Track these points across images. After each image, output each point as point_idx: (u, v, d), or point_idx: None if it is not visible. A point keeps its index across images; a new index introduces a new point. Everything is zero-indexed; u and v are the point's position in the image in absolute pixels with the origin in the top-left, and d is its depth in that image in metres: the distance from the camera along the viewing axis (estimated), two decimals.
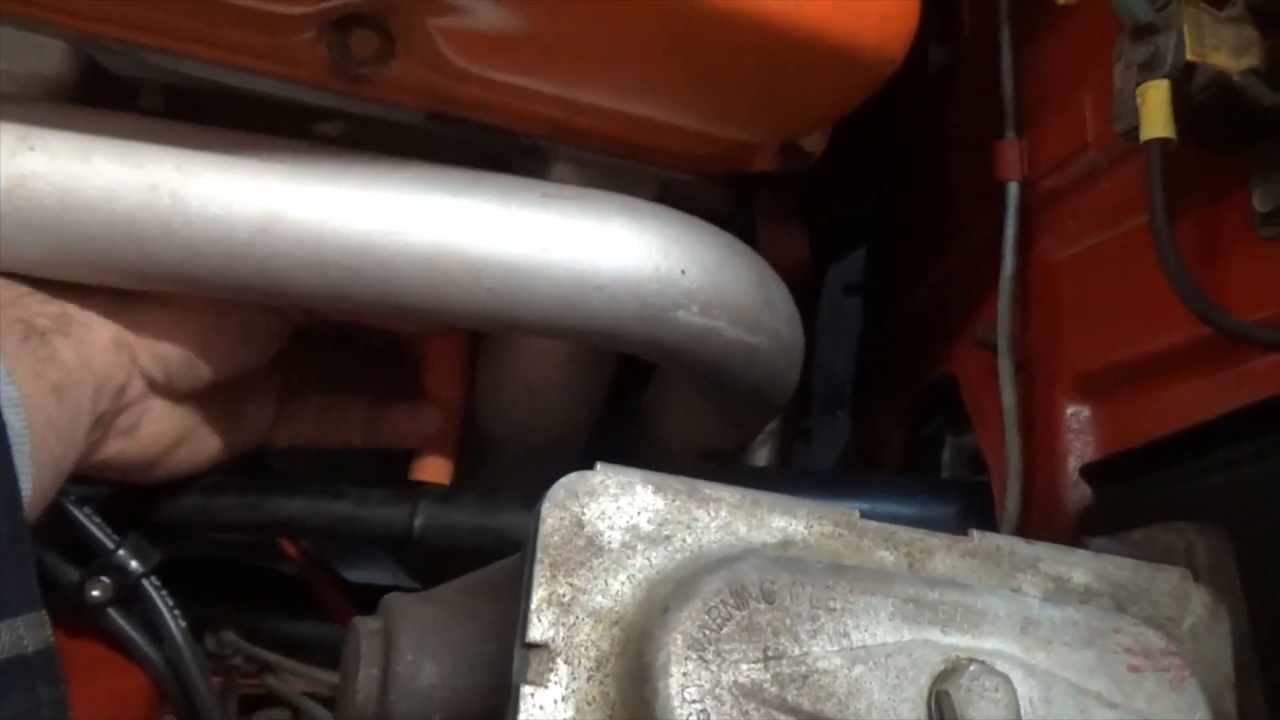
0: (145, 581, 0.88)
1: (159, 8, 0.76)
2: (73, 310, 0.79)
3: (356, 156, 0.82)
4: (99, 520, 0.87)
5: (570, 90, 0.83)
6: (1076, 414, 0.85)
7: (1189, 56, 0.64)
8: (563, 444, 1.06)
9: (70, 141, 0.75)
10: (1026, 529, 0.87)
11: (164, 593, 0.89)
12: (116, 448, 0.83)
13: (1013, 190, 0.94)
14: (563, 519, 0.51)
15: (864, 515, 0.59)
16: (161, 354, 0.83)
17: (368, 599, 1.13)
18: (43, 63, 0.80)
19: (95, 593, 0.87)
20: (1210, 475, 0.70)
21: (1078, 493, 0.84)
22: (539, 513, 0.51)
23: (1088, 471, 0.81)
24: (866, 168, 1.34)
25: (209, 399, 0.90)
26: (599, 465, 0.53)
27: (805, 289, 1.49)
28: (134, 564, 0.88)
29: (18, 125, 0.74)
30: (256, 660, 1.07)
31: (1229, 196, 0.75)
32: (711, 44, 0.76)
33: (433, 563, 1.12)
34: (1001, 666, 0.52)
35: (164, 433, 0.86)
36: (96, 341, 0.79)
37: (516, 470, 1.07)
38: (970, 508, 0.94)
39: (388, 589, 1.28)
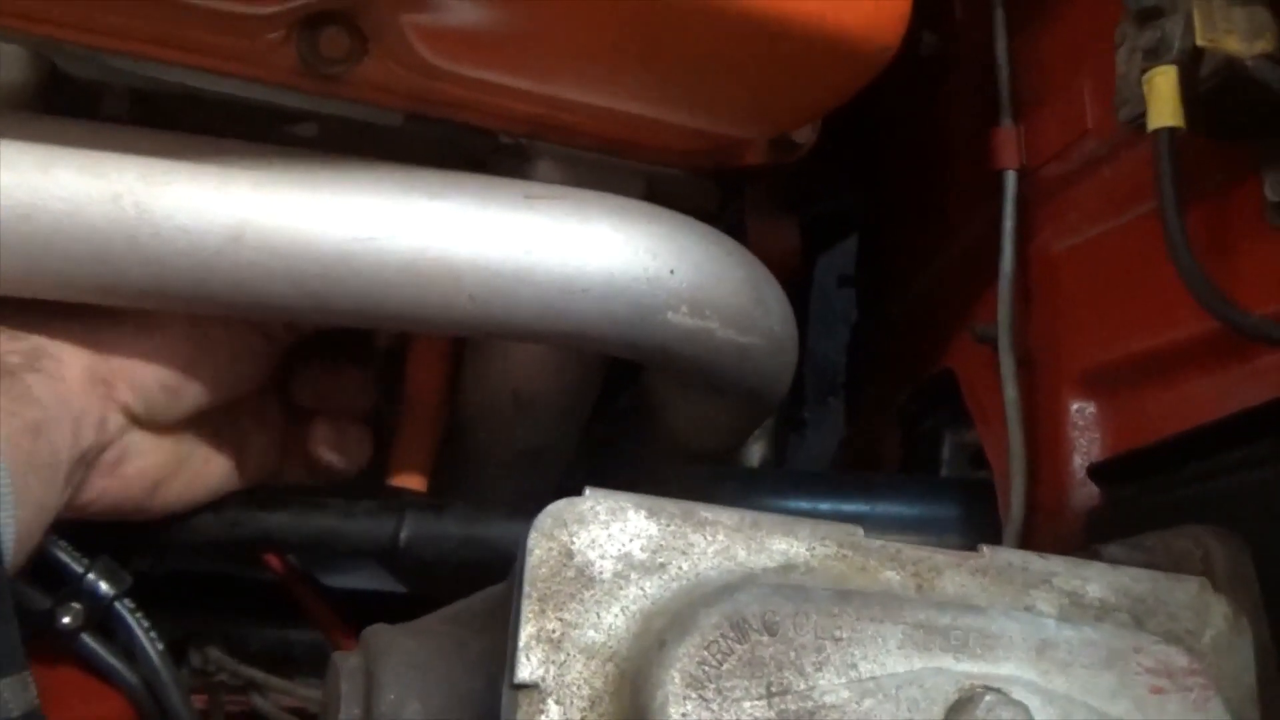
0: (118, 605, 0.85)
1: (120, 10, 0.72)
2: (43, 344, 0.75)
3: (331, 160, 0.79)
4: (65, 545, 0.83)
5: (552, 87, 0.79)
6: (1081, 410, 0.83)
7: (1199, 42, 0.61)
8: (551, 449, 1.03)
9: (29, 153, 0.72)
10: (1032, 529, 0.84)
11: (138, 615, 0.86)
12: (101, 486, 0.79)
13: (1010, 179, 0.91)
14: (550, 549, 0.48)
15: (866, 518, 0.56)
16: (138, 384, 0.78)
17: (355, 607, 1.11)
18: (1, 70, 0.76)
19: (66, 620, 0.84)
20: (1224, 476, 0.67)
21: (1085, 492, 0.81)
22: (525, 544, 0.48)
23: (1095, 471, 0.79)
24: (857, 158, 1.31)
25: (200, 429, 0.86)
26: (588, 490, 0.50)
27: (797, 282, 1.47)
28: (105, 587, 0.85)
29: None
30: (242, 678, 1.04)
31: (1237, 185, 0.72)
32: (698, 36, 0.73)
33: (422, 570, 1.09)
34: (1018, 694, 0.49)
35: (152, 467, 0.82)
36: (70, 376, 0.75)
37: (505, 477, 1.04)
38: (974, 508, 0.92)
39: (375, 595, 1.26)
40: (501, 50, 0.76)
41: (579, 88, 0.80)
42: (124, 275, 0.73)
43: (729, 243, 0.89)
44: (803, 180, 1.34)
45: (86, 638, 0.86)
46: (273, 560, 1.08)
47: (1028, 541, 0.84)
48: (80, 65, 0.77)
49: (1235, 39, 0.61)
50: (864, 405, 1.39)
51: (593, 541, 0.49)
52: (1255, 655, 0.60)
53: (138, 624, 0.87)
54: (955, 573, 0.54)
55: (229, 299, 0.76)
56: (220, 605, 1.17)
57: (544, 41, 0.74)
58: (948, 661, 0.49)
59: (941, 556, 0.54)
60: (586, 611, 0.48)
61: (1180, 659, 0.53)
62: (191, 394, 0.82)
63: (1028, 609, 0.54)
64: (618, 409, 1.16)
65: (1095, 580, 0.57)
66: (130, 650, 0.87)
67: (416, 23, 0.73)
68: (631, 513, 0.50)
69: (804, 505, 0.94)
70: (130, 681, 0.87)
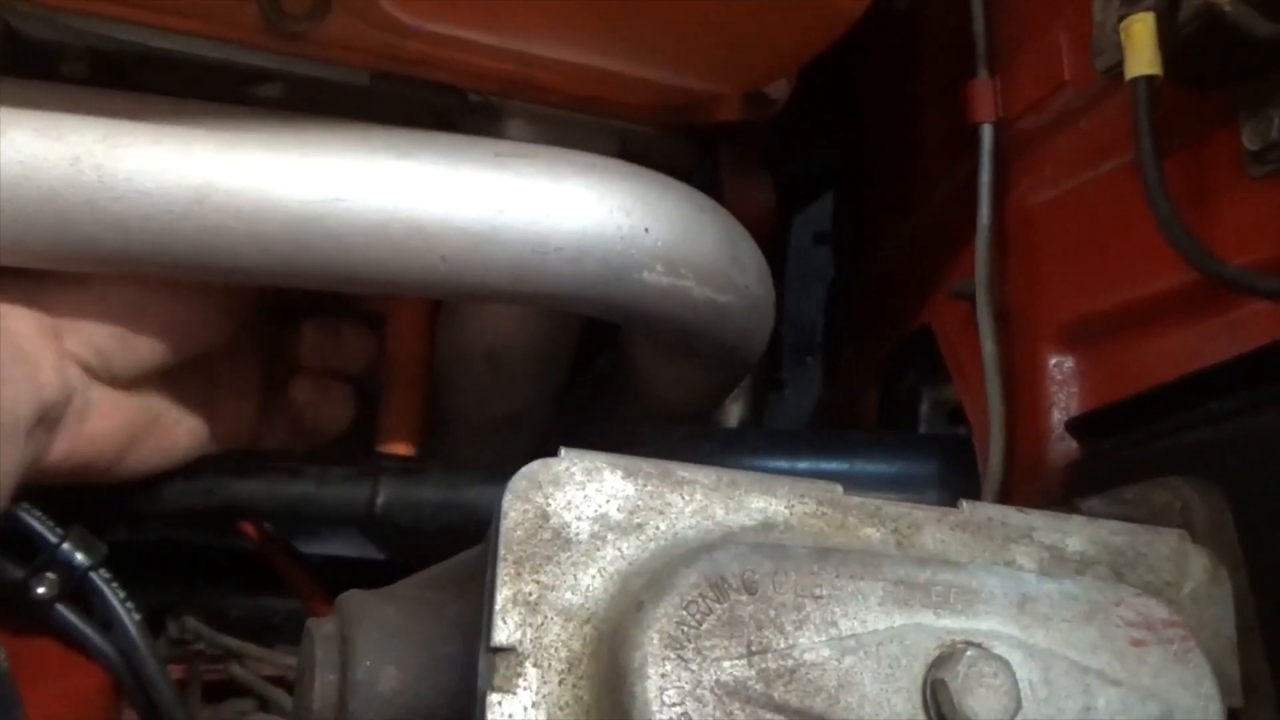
0: (93, 575, 0.84)
1: None
2: None
3: (296, 120, 0.77)
4: (39, 514, 0.82)
5: (521, 42, 0.78)
6: (1060, 365, 0.82)
7: None
8: (528, 413, 1.02)
9: None
10: (1011, 485, 0.84)
11: (114, 585, 0.85)
12: (67, 447, 0.78)
13: (987, 133, 0.90)
14: (526, 511, 0.48)
15: (845, 476, 0.56)
16: (88, 334, 0.77)
17: (333, 573, 1.10)
18: None
19: (41, 590, 0.83)
20: (1203, 428, 0.67)
21: (1063, 447, 0.81)
22: (500, 507, 0.47)
23: (1074, 425, 0.78)
24: (832, 115, 1.30)
25: (169, 388, 0.85)
26: (563, 451, 0.49)
27: (773, 239, 1.46)
28: (80, 557, 0.84)
29: None
30: (220, 647, 1.03)
31: (1216, 134, 0.71)
32: None
33: (400, 536, 1.08)
34: (999, 648, 0.49)
35: (119, 426, 0.81)
36: (21, 331, 0.73)
37: (481, 441, 1.03)
38: (952, 464, 0.92)
39: (354, 562, 1.25)
40: (468, 4, 0.74)
41: (548, 43, 0.78)
42: (84, 240, 0.71)
43: (704, 200, 0.88)
44: (778, 137, 1.33)
45: (62, 608, 0.85)
46: (248, 528, 1.07)
47: (1006, 497, 0.83)
48: (36, 25, 0.75)
49: None
50: (842, 364, 1.39)
51: (569, 503, 0.48)
52: (1234, 606, 0.60)
53: (114, 594, 0.86)
54: (935, 528, 0.54)
55: (194, 263, 0.74)
56: (199, 574, 1.17)
57: None
58: (928, 617, 0.49)
59: (921, 512, 0.54)
60: (563, 574, 0.47)
61: (1160, 611, 0.53)
62: (145, 344, 0.79)
63: (1008, 564, 0.54)
64: (595, 372, 1.15)
65: (1075, 534, 0.56)
66: (107, 620, 0.86)
67: None
68: (608, 473, 0.49)
69: (782, 465, 0.94)
70: (106, 652, 0.87)
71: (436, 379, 1.00)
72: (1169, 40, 0.65)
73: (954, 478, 0.90)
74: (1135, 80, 0.64)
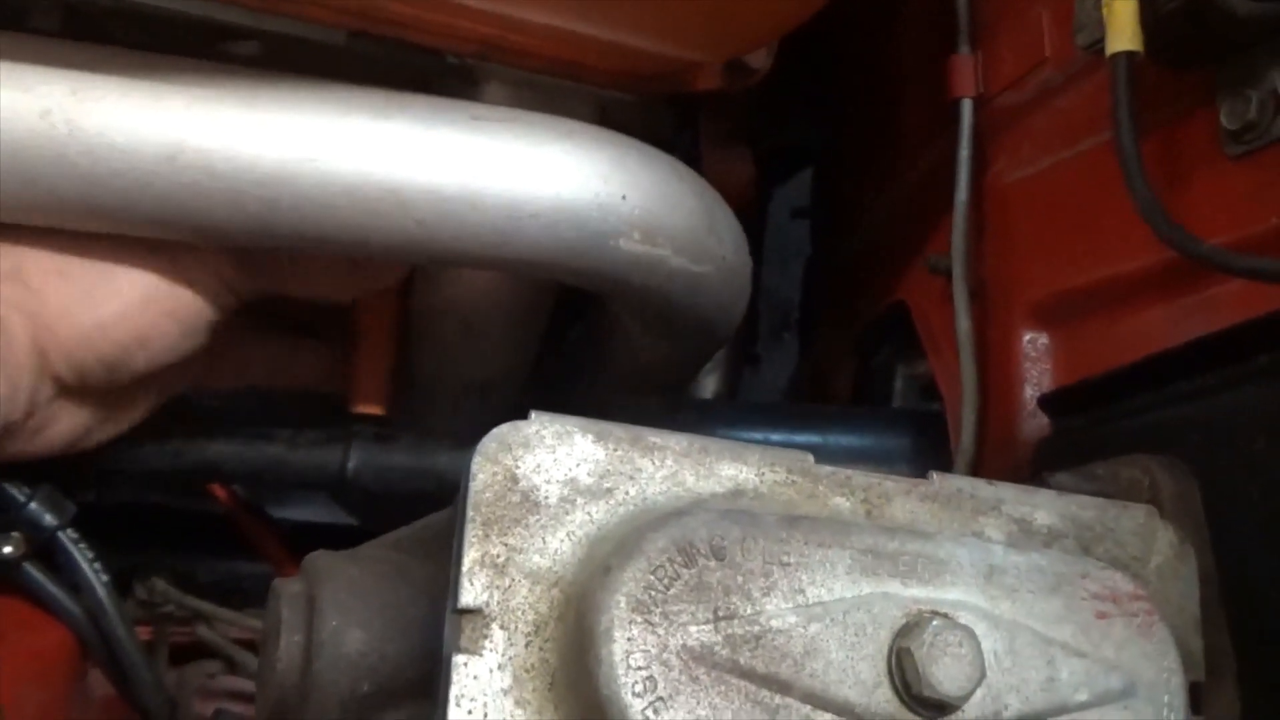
0: (61, 535, 0.84)
1: None
2: None
3: (271, 78, 0.76)
4: (6, 475, 0.81)
5: (499, 5, 0.77)
6: (1034, 341, 0.83)
7: None
8: (501, 381, 1.02)
9: None
10: (982, 460, 0.84)
11: (82, 545, 0.85)
12: (17, 449, 0.77)
13: (966, 108, 0.90)
14: (495, 474, 0.47)
15: (818, 449, 0.55)
16: (77, 360, 0.75)
17: (303, 538, 1.10)
18: None
19: (8, 549, 0.82)
20: (1173, 406, 0.67)
21: (1035, 423, 0.81)
22: (469, 468, 0.47)
23: (1045, 401, 0.79)
24: (813, 90, 1.29)
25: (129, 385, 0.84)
26: (534, 414, 0.49)
27: (751, 212, 1.46)
28: (48, 517, 0.83)
29: None
30: (188, 609, 1.03)
31: (1195, 114, 0.72)
32: None
33: (370, 502, 1.08)
34: (964, 618, 0.49)
35: (73, 428, 0.79)
36: (16, 345, 0.72)
37: (453, 407, 1.02)
38: (925, 438, 0.92)
39: (324, 527, 1.25)
40: None
41: (527, 5, 0.77)
42: (53, 194, 0.70)
43: (683, 169, 0.87)
44: (758, 111, 1.32)
45: (29, 568, 0.84)
46: (218, 491, 1.06)
47: (977, 472, 0.84)
48: None
49: None
50: (817, 339, 1.39)
51: (538, 466, 0.48)
52: (1199, 582, 0.60)
53: (81, 554, 0.85)
54: (905, 499, 0.54)
55: (164, 219, 0.73)
56: (169, 537, 1.16)
57: None
58: (895, 586, 0.49)
59: (891, 483, 0.54)
60: (532, 536, 0.47)
61: (1126, 584, 0.53)
62: (130, 370, 0.78)
63: (976, 535, 0.54)
64: (570, 343, 1.15)
65: (1044, 507, 0.56)
66: (74, 581, 0.86)
67: None
68: (578, 437, 0.49)
69: (756, 437, 0.94)
70: (73, 612, 0.86)
71: (412, 344, 1.00)
72: (1151, 18, 0.65)
73: (926, 452, 0.90)
74: (1115, 56, 0.64)
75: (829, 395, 1.20)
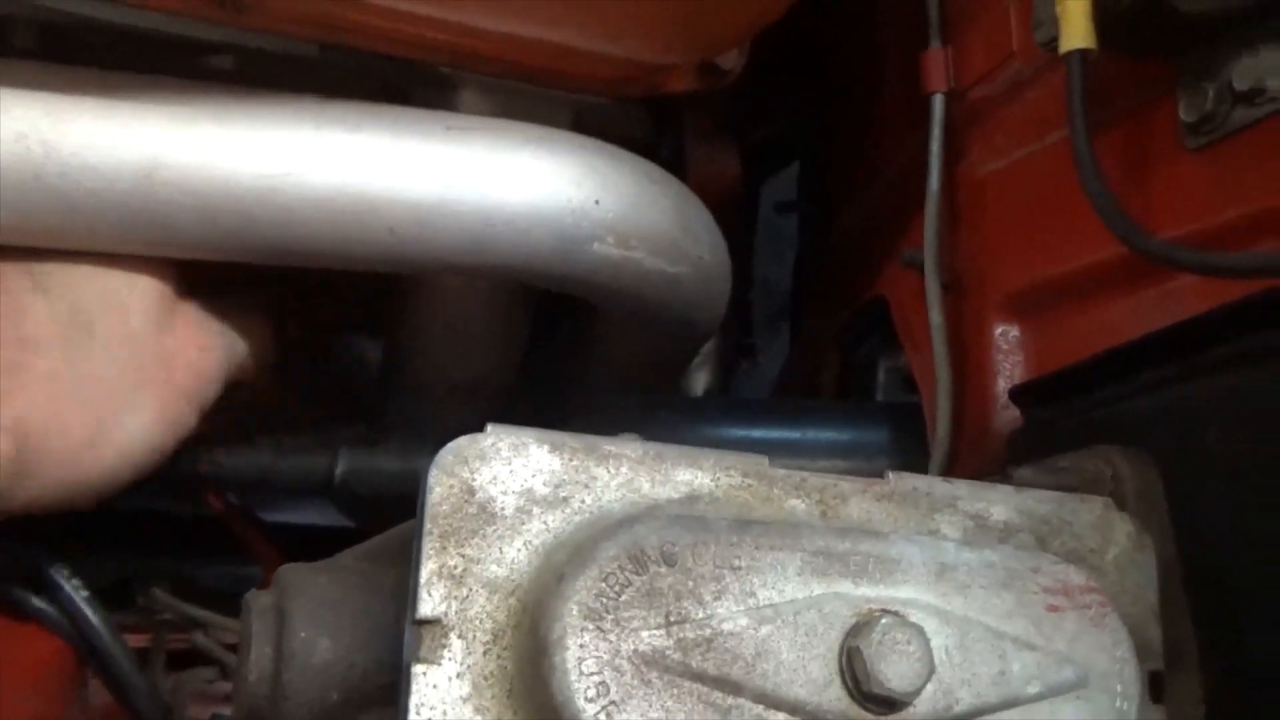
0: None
1: None
2: None
3: (245, 94, 0.78)
4: None
5: (463, 14, 0.78)
6: (1005, 333, 0.83)
7: None
8: (486, 383, 1.03)
9: None
10: (958, 453, 0.85)
11: (58, 565, 0.86)
12: None
13: (938, 102, 0.91)
14: (452, 486, 0.48)
15: (796, 444, 0.56)
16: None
17: (303, 542, 1.11)
18: None
19: None
20: (1136, 398, 0.68)
21: (1008, 415, 0.82)
22: (425, 481, 0.48)
23: (1015, 393, 0.80)
24: (796, 83, 1.30)
25: None
26: (489, 426, 0.50)
27: (740, 205, 1.47)
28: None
29: None
30: (185, 616, 1.04)
31: (1157, 106, 0.72)
32: None
33: (362, 504, 1.09)
34: (915, 616, 0.50)
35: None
36: None
37: (439, 410, 1.03)
38: (904, 431, 0.93)
39: (322, 530, 1.26)
40: None
41: (490, 14, 0.78)
42: (31, 216, 0.72)
43: (656, 172, 0.88)
44: (744, 106, 1.33)
45: (15, 590, 0.86)
46: (213, 498, 1.07)
47: (953, 464, 0.85)
48: None
49: None
50: (804, 333, 1.40)
51: (494, 478, 0.49)
52: (1160, 572, 0.61)
53: (58, 574, 0.86)
54: (860, 499, 0.55)
55: (143, 237, 0.75)
56: (170, 543, 1.18)
57: None
58: (846, 586, 0.50)
59: (847, 484, 0.55)
60: (489, 547, 0.48)
61: (1077, 577, 0.54)
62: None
63: (932, 533, 0.55)
64: (558, 341, 1.16)
65: (1000, 503, 0.57)
66: (58, 599, 0.87)
67: None
68: (534, 448, 0.50)
69: (736, 433, 0.95)
70: (63, 626, 0.88)
71: (394, 349, 1.01)
72: (1106, 14, 0.65)
73: (906, 445, 0.91)
74: (1070, 54, 0.65)
75: (815, 388, 1.21)
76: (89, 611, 0.85)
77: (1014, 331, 0.83)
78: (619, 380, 1.07)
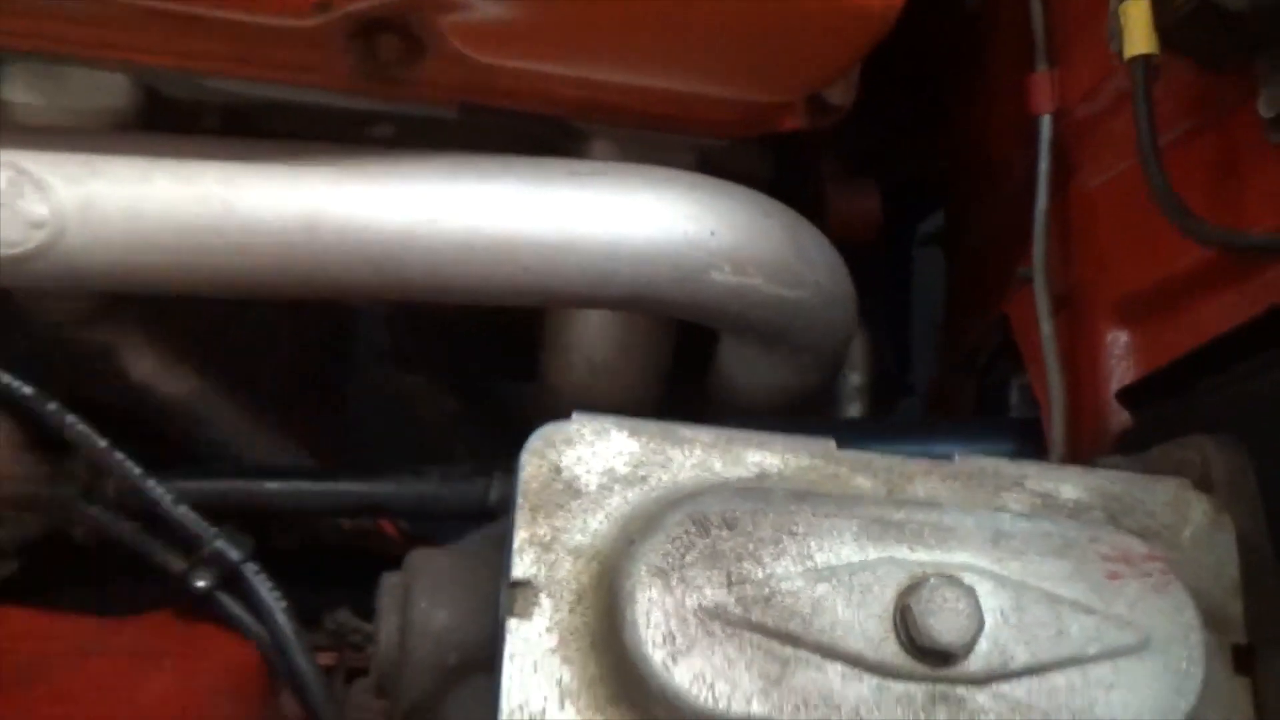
0: (243, 567, 0.96)
1: (202, 35, 0.82)
2: None
3: (392, 154, 0.88)
4: (195, 515, 0.94)
5: (585, 70, 0.86)
6: (1116, 340, 0.85)
7: None
8: (629, 412, 1.09)
9: (130, 165, 0.82)
10: (1076, 459, 0.87)
11: (261, 576, 0.96)
12: None
13: (1045, 123, 0.94)
14: (541, 466, 0.55)
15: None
16: None
17: None
18: (107, 97, 0.87)
19: (201, 582, 0.95)
20: (1230, 388, 0.70)
21: (1121, 418, 0.84)
22: (519, 463, 0.55)
23: (1122, 395, 0.81)
24: (927, 119, 1.34)
25: None
26: (575, 414, 0.57)
27: (891, 245, 1.50)
28: (232, 552, 0.95)
29: (82, 154, 0.82)
30: (366, 635, 1.14)
31: (1243, 107, 0.74)
32: (707, 10, 0.79)
33: None
34: (969, 579, 0.53)
35: None
36: None
37: None
38: (1028, 443, 0.94)
39: None
40: (535, 40, 0.83)
41: (610, 69, 0.86)
42: (215, 265, 0.83)
43: (769, 203, 0.94)
44: (883, 147, 1.38)
45: (221, 596, 0.97)
46: (387, 526, 1.18)
47: None
48: (175, 87, 0.88)
49: None
50: (943, 355, 1.42)
51: (579, 459, 0.56)
52: (1248, 550, 0.62)
53: (261, 584, 0.97)
54: (926, 479, 0.58)
55: (308, 283, 0.85)
56: (352, 574, 1.28)
57: (569, 29, 0.81)
58: (902, 551, 0.54)
59: (913, 465, 0.59)
60: (574, 518, 0.54)
61: (1138, 547, 0.56)
62: None
63: (998, 509, 0.58)
64: (698, 374, 1.22)
65: (1070, 481, 0.60)
66: (256, 608, 0.98)
67: (454, 22, 0.81)
68: (614, 432, 0.56)
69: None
70: (260, 635, 0.98)
71: (544, 384, 1.09)
72: (1169, 21, 0.68)
73: (1026, 455, 0.93)
74: (1134, 60, 0.68)
75: (951, 410, 1.23)
76: (286, 625, 0.95)
77: (1124, 337, 0.85)
78: (758, 408, 1.12)
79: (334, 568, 1.30)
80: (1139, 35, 0.67)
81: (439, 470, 1.06)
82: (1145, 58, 0.68)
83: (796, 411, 1.16)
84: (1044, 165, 0.92)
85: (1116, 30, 0.72)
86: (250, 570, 0.97)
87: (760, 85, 0.89)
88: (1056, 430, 0.86)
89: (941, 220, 1.59)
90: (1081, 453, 0.87)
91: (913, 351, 1.77)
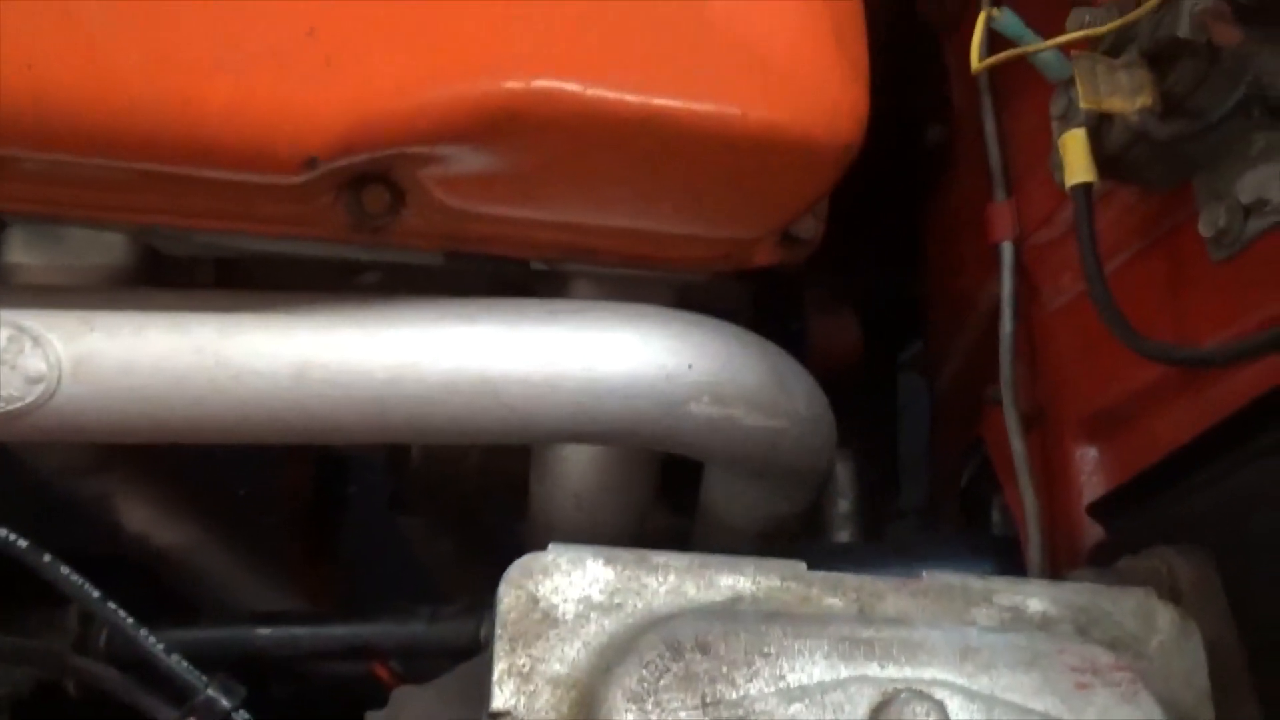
0: (234, 716, 0.96)
1: (197, 194, 0.86)
2: None
3: (376, 300, 0.91)
4: (187, 665, 0.95)
5: (562, 215, 0.90)
6: (1085, 455, 0.87)
7: (1083, 104, 0.68)
8: (613, 542, 1.11)
9: (126, 319, 0.86)
10: (1055, 573, 0.88)
11: None
12: None
13: (1007, 250, 0.98)
14: (519, 597, 0.57)
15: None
16: None
17: None
18: (104, 255, 0.91)
19: None
20: (1190, 497, 0.71)
21: (1096, 531, 0.85)
22: (497, 594, 0.57)
23: (1093, 509, 0.83)
24: (900, 250, 1.38)
25: None
26: (551, 545, 0.59)
27: (876, 371, 1.53)
28: (223, 701, 0.96)
29: (81, 310, 0.85)
30: None
31: (1187, 225, 0.78)
32: (675, 159, 0.83)
33: None
34: (940, 694, 0.54)
35: None
36: None
37: None
38: (1005, 560, 0.96)
39: None
40: (511, 189, 0.87)
41: (585, 213, 0.90)
42: (208, 415, 0.86)
43: (745, 335, 0.97)
44: (861, 278, 1.42)
45: None
46: (380, 670, 1.18)
47: None
48: (172, 244, 0.92)
49: (1118, 99, 0.67)
50: (931, 478, 1.44)
51: (556, 588, 0.57)
52: (1220, 656, 0.63)
53: None
54: (896, 596, 0.60)
55: (299, 429, 0.88)
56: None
57: (543, 179, 0.85)
58: (873, 669, 0.55)
59: (883, 583, 0.60)
60: (552, 648, 0.56)
61: (1105, 656, 0.57)
62: None
63: (967, 625, 0.60)
64: (686, 501, 1.24)
65: (1037, 595, 0.62)
66: None
67: (433, 175, 0.85)
68: (590, 561, 0.58)
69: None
70: None
71: (532, 520, 1.11)
72: (1108, 151, 0.72)
73: (1006, 572, 0.94)
74: (1074, 188, 0.72)
75: (940, 531, 1.24)
76: None
77: (1093, 453, 0.87)
78: (738, 539, 1.13)
79: (328, 712, 1.30)
80: (1078, 165, 0.71)
81: (429, 610, 1.07)
82: (1085, 186, 0.71)
83: (785, 536, 1.18)
84: (1007, 290, 0.96)
85: (1058, 162, 0.76)
86: (241, 718, 0.97)
87: (731, 223, 0.93)
88: (1034, 546, 0.87)
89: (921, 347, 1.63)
90: (1059, 567, 0.88)
91: (901, 476, 1.79)
